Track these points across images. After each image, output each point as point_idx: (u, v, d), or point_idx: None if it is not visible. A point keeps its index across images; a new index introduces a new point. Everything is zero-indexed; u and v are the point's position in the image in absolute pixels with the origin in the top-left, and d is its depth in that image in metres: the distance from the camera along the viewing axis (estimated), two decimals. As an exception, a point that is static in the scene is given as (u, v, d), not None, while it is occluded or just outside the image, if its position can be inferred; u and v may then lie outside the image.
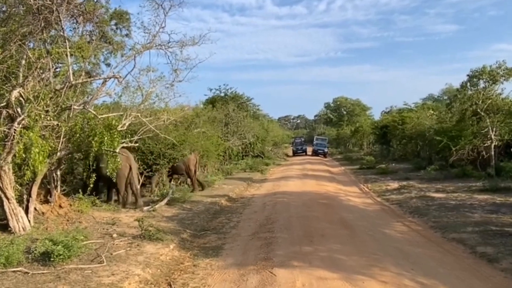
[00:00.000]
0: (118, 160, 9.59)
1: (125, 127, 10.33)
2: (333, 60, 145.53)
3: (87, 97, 9.65)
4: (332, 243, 8.55)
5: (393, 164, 27.40)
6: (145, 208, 11.72)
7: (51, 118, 8.28)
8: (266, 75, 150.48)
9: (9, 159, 7.70)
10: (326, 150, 45.57)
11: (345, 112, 73.45)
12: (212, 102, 31.57)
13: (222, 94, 34.09)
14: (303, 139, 50.86)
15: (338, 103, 75.38)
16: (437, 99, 51.23)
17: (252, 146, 31.67)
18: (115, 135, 8.88)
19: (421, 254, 7.90)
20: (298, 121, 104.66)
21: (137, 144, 12.28)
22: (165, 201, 12.59)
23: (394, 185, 18.24)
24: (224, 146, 23.19)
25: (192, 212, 12.26)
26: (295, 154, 46.50)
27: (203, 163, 19.10)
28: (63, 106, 8.55)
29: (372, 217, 11.91)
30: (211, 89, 34.40)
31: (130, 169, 12.04)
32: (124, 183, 12.01)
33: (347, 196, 16.07)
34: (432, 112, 27.51)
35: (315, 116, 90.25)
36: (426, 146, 25.48)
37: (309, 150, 47.96)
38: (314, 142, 47.34)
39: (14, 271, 6.28)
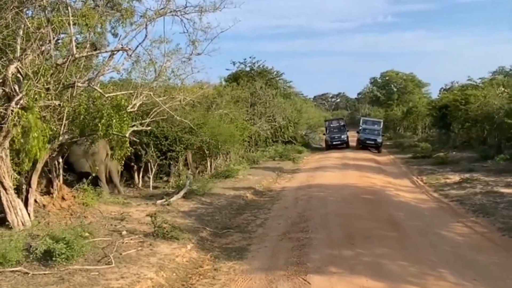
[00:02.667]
0: (127, 146, 9.76)
1: (135, 108, 10.47)
2: (381, 26, 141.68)
3: (93, 73, 9.81)
4: (377, 246, 8.50)
5: (454, 152, 26.77)
6: (159, 202, 11.96)
7: (52, 98, 8.49)
8: (298, 45, 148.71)
9: (6, 143, 7.95)
10: (379, 139, 34.28)
11: (395, 90, 71.94)
12: (235, 78, 31.62)
13: (248, 69, 34.11)
14: (342, 123, 38.17)
15: (387, 78, 73.81)
16: (510, 74, 49.36)
17: (283, 130, 31.62)
18: (125, 117, 9.02)
19: (486, 261, 7.74)
20: (338, 100, 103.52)
21: (149, 128, 12.47)
22: (181, 193, 12.80)
23: (455, 177, 17.85)
24: (249, 130, 23.25)
25: (212, 207, 12.42)
26: (330, 146, 35.56)
27: (225, 149, 19.23)
28: (65, 83, 8.73)
29: (427, 216, 11.73)
30: (234, 63, 34.46)
31: (107, 155, 12.59)
32: (104, 170, 12.68)
33: (396, 190, 15.86)
34: (502, 89, 26.53)
35: (358, 94, 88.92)
36: (495, 130, 24.71)
37: (351, 135, 37.77)
38: (361, 128, 35.88)
39: (12, 271, 6.55)
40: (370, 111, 69.22)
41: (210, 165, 18.55)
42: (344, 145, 35.77)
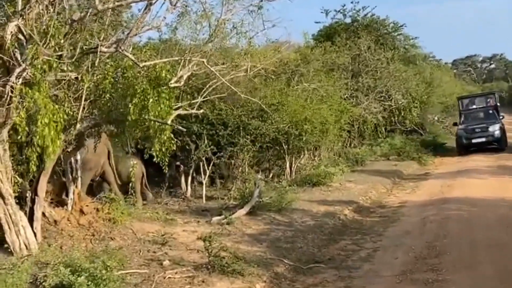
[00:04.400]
0: (169, 136, 9.96)
1: (182, 83, 10.72)
2: None
3: (122, 33, 10.12)
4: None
5: None
6: (215, 219, 12.27)
7: (67, 69, 8.85)
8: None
9: (5, 133, 8.39)
10: None
11: None
12: (329, 35, 31.45)
13: (348, 21, 33.75)
14: (490, 103, 32.55)
15: None
16: None
17: (403, 114, 31.05)
18: (166, 96, 9.30)
19: None
20: (492, 66, 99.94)
21: (201, 111, 12.72)
22: (247, 208, 13.05)
23: None
24: (350, 114, 23.11)
25: (292, 229, 12.53)
26: (465, 147, 29.31)
27: (313, 143, 19.24)
28: (84, 48, 9.10)
29: None
30: (327, 12, 34.21)
31: (109, 154, 13.08)
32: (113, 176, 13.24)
33: None
34: None
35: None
36: None
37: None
38: None
39: (15, 314, 7.03)
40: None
41: (290, 167, 18.62)
42: (495, 144, 29.27)
